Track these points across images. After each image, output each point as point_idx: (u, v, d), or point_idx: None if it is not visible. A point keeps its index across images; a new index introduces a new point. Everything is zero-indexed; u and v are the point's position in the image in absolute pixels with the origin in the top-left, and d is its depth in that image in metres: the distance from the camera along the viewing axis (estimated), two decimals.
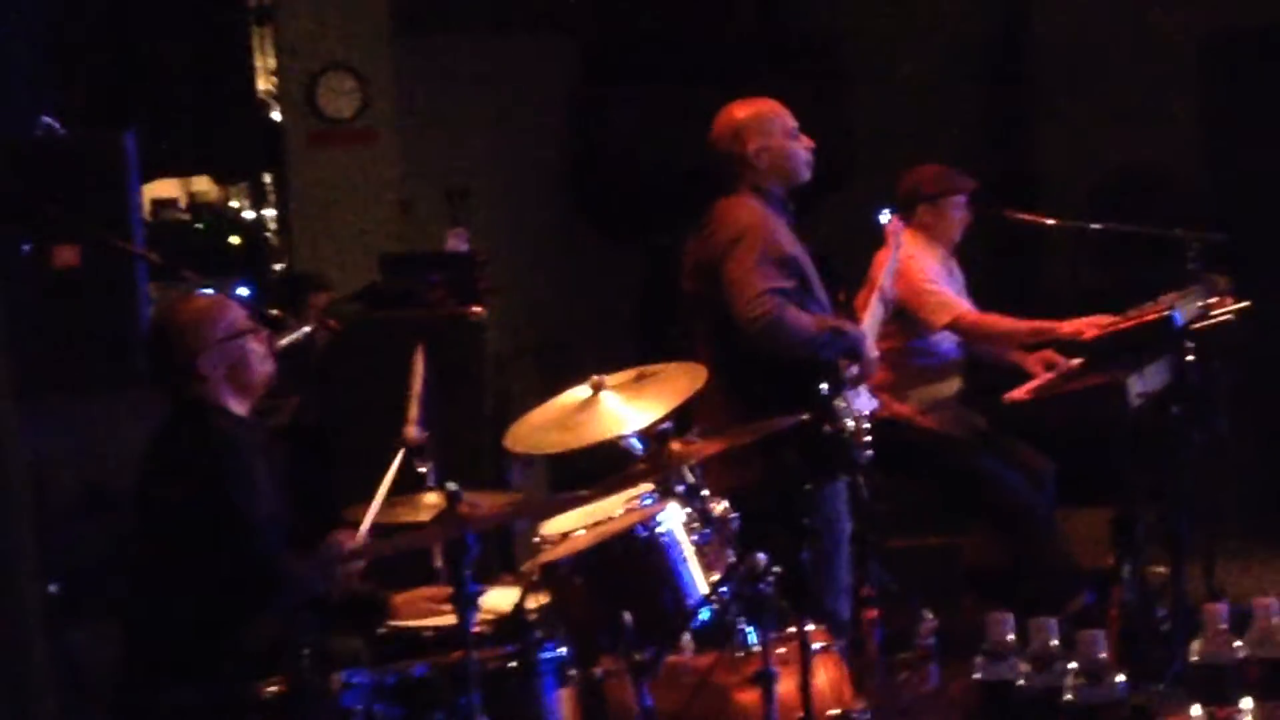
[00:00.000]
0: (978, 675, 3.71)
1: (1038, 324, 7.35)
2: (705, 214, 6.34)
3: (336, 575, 5.23)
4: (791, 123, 6.40)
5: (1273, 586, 7.56)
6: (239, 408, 5.22)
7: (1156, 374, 6.93)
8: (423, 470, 5.68)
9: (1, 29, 6.71)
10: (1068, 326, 7.22)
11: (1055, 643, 3.58)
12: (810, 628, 4.83)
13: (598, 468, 5.38)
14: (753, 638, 4.92)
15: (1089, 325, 7.12)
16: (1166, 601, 7.12)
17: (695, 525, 5.07)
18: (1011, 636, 3.69)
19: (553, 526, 5.33)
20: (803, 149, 6.40)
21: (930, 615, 6.80)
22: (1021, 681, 3.59)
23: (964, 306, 7.40)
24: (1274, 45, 10.04)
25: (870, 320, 6.63)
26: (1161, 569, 7.38)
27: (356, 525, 5.45)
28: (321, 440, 7.83)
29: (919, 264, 7.32)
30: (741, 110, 6.40)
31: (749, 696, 4.82)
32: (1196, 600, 6.93)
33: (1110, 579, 7.38)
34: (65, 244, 6.17)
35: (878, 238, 7.20)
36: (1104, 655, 3.52)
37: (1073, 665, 3.53)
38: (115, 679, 5.17)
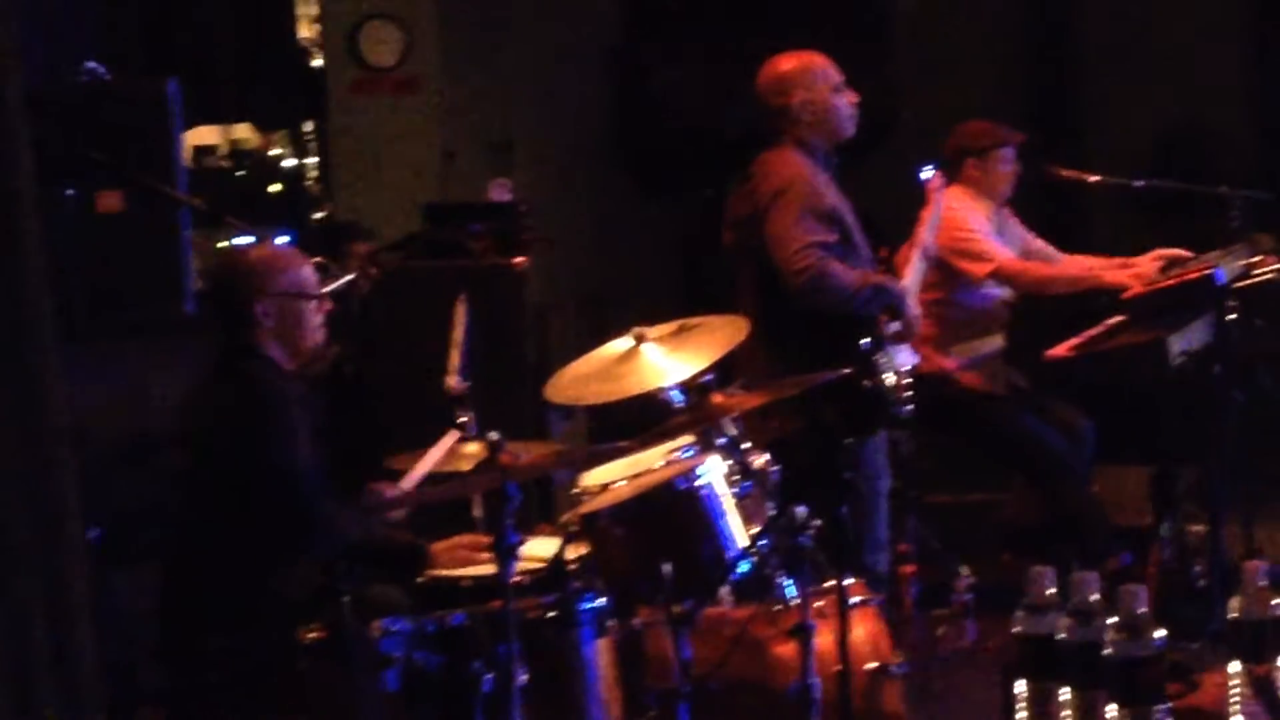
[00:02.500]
0: (1018, 628, 3.71)
1: (1082, 271, 7.32)
2: (748, 167, 6.34)
3: (375, 524, 5.25)
4: (837, 76, 6.39)
5: None
6: (284, 363, 5.23)
7: (1198, 332, 6.90)
8: (463, 420, 5.69)
9: None
10: (1111, 276, 7.19)
11: (1096, 597, 3.59)
12: (849, 582, 4.83)
13: (637, 419, 5.39)
14: (791, 591, 4.94)
15: (1134, 276, 7.09)
16: (1204, 560, 7.12)
17: (735, 478, 5.08)
18: (1052, 590, 3.69)
19: (593, 478, 5.34)
20: (847, 103, 6.39)
21: (967, 571, 6.81)
22: (1062, 635, 3.59)
23: (1007, 255, 7.37)
24: None
25: (912, 277, 6.62)
26: (1200, 528, 7.37)
27: (397, 475, 5.48)
28: (361, 390, 7.85)
29: (963, 215, 7.29)
30: (787, 63, 6.39)
31: (787, 649, 4.85)
32: (1234, 560, 6.93)
33: (1149, 537, 7.38)
34: (109, 189, 6.18)
35: (920, 194, 7.19)
36: (1144, 610, 3.52)
37: (1113, 620, 3.54)
38: (157, 625, 5.19)
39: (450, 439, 5.55)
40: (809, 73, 6.36)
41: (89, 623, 4.85)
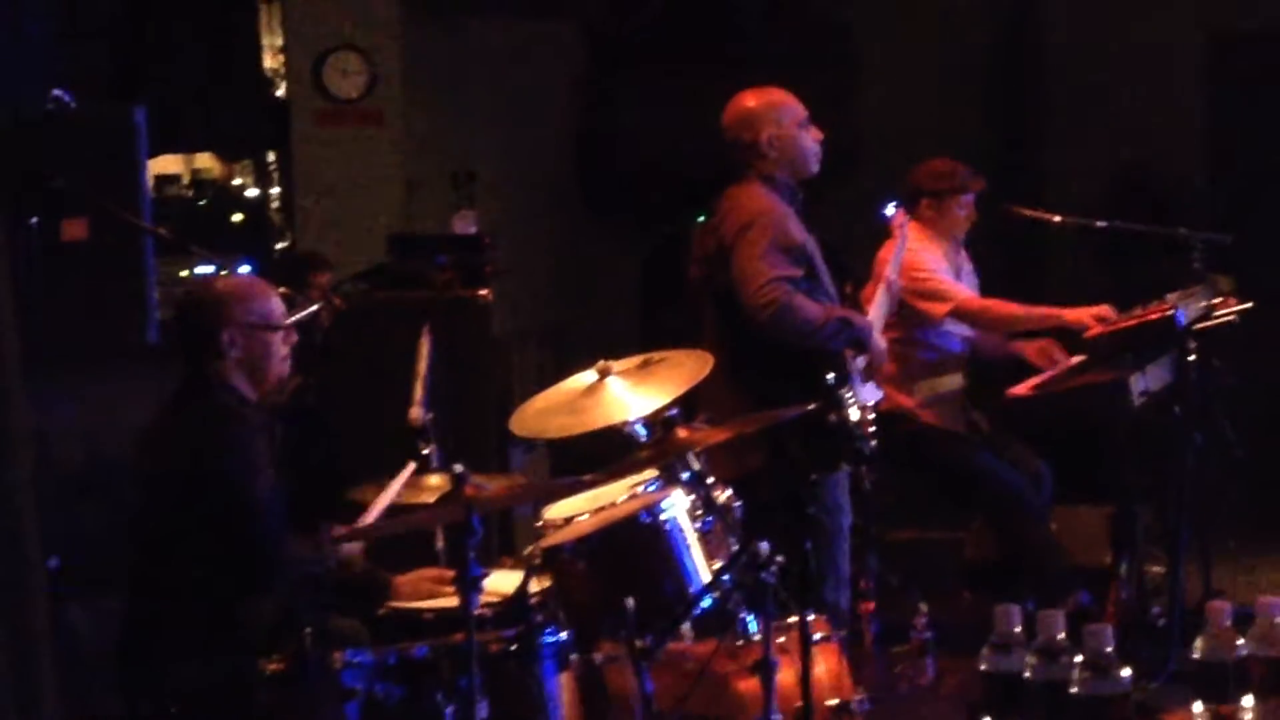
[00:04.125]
0: (984, 666, 3.71)
1: (1041, 311, 7.36)
2: (714, 202, 6.35)
3: (337, 556, 5.23)
4: (802, 113, 6.41)
5: (1269, 587, 7.57)
6: (248, 393, 5.22)
7: (1158, 373, 6.95)
8: (426, 452, 5.69)
9: (14, 3, 6.71)
10: (1071, 314, 7.22)
11: (1062, 636, 3.59)
12: (811, 618, 4.83)
13: (599, 453, 5.39)
14: (753, 626, 4.94)
15: (1093, 315, 7.13)
16: (1163, 600, 7.14)
17: (699, 513, 5.07)
18: (1019, 628, 3.70)
19: (556, 510, 5.33)
20: (812, 140, 6.41)
21: (926, 608, 6.82)
22: (1028, 674, 3.59)
23: (965, 294, 7.40)
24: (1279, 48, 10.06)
25: (876, 312, 6.65)
26: (1159, 568, 7.40)
27: (358, 507, 5.46)
28: (322, 421, 7.83)
29: (920, 256, 7.32)
30: (753, 99, 6.40)
31: (748, 685, 4.84)
32: (1193, 600, 6.95)
33: (1108, 577, 7.41)
34: (74, 217, 6.17)
35: (883, 230, 7.22)
36: (1110, 649, 3.53)
37: (1079, 658, 3.54)
38: (116, 654, 5.16)
39: (407, 472, 5.54)
40: (776, 109, 6.38)
41: (48, 651, 4.83)
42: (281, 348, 5.27)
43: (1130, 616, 7.16)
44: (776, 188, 6.32)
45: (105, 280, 6.31)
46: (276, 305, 5.30)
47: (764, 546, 4.73)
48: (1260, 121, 10.07)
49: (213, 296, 5.26)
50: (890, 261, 6.92)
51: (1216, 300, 6.99)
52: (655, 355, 5.43)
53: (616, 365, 5.34)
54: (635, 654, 4.74)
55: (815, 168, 6.44)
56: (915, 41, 11.22)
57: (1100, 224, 7.76)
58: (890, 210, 7.20)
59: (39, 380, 5.57)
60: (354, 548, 5.30)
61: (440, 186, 9.61)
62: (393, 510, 5.39)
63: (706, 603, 4.95)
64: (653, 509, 5.00)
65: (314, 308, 6.73)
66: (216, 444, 5.05)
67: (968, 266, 7.65)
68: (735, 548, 5.02)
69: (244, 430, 5.11)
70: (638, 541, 4.99)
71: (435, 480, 5.56)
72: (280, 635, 4.74)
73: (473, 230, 8.68)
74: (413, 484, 5.57)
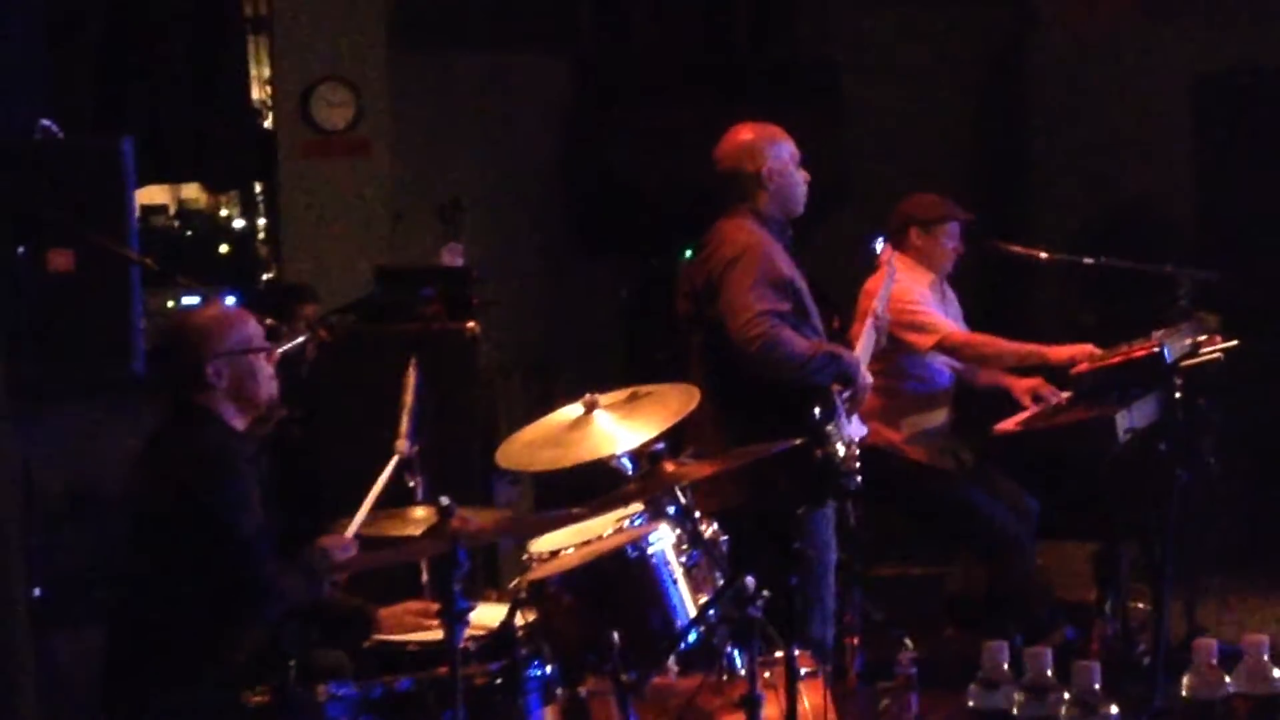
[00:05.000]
0: (972, 703, 3.71)
1: (1028, 347, 7.36)
2: (702, 235, 6.35)
3: (323, 585, 5.22)
4: (796, 151, 6.44)
5: (1253, 625, 7.57)
6: (236, 422, 5.21)
7: (1145, 410, 6.95)
8: (412, 484, 5.68)
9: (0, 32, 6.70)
10: (1057, 352, 7.24)
11: (1050, 673, 3.59)
12: (797, 653, 4.82)
13: (584, 486, 5.38)
14: (739, 661, 4.93)
15: (1080, 353, 7.14)
16: (1147, 637, 7.14)
17: (685, 547, 5.07)
18: (1007, 665, 3.70)
19: (542, 544, 5.32)
20: (802, 180, 6.43)
21: (911, 644, 6.81)
22: (1016, 711, 3.59)
23: (951, 327, 7.41)
24: (1267, 85, 10.09)
25: (863, 346, 6.65)
26: (1143, 605, 7.40)
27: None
28: (307, 453, 7.82)
29: (906, 288, 7.32)
30: (752, 131, 6.42)
31: None
32: (1177, 637, 6.95)
33: (1093, 613, 7.40)
34: (61, 248, 6.15)
35: (868, 266, 7.23)
36: (1098, 686, 3.53)
37: (1066, 695, 3.54)
38: (99, 685, 5.14)
39: (389, 468, 5.55)
40: (776, 143, 6.41)
41: (30, 683, 4.82)
42: (267, 368, 5.27)
43: (1115, 653, 7.16)
44: (766, 222, 6.33)
45: (92, 311, 6.28)
46: (255, 329, 5.30)
47: (750, 581, 4.73)
48: (1248, 159, 10.08)
49: (193, 330, 5.24)
50: (877, 297, 6.93)
51: (1203, 338, 7.01)
52: (642, 389, 5.43)
53: (603, 399, 5.34)
54: (620, 688, 4.74)
55: (801, 208, 6.46)
56: (902, 78, 11.25)
57: (1087, 260, 7.78)
58: (878, 246, 7.21)
59: (24, 410, 5.58)
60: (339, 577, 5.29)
61: (427, 218, 9.61)
62: (379, 542, 5.38)
63: (692, 637, 4.95)
64: (639, 543, 5.00)
65: (300, 339, 6.70)
66: (203, 477, 5.03)
67: (953, 301, 7.66)
68: (721, 582, 5.01)
69: (231, 463, 5.09)
70: (623, 575, 4.98)
71: (421, 513, 5.55)
72: (264, 667, 4.72)
73: (460, 262, 8.68)
74: (399, 516, 5.56)
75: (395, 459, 5.59)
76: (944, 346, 7.36)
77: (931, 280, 7.54)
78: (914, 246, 7.51)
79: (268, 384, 5.27)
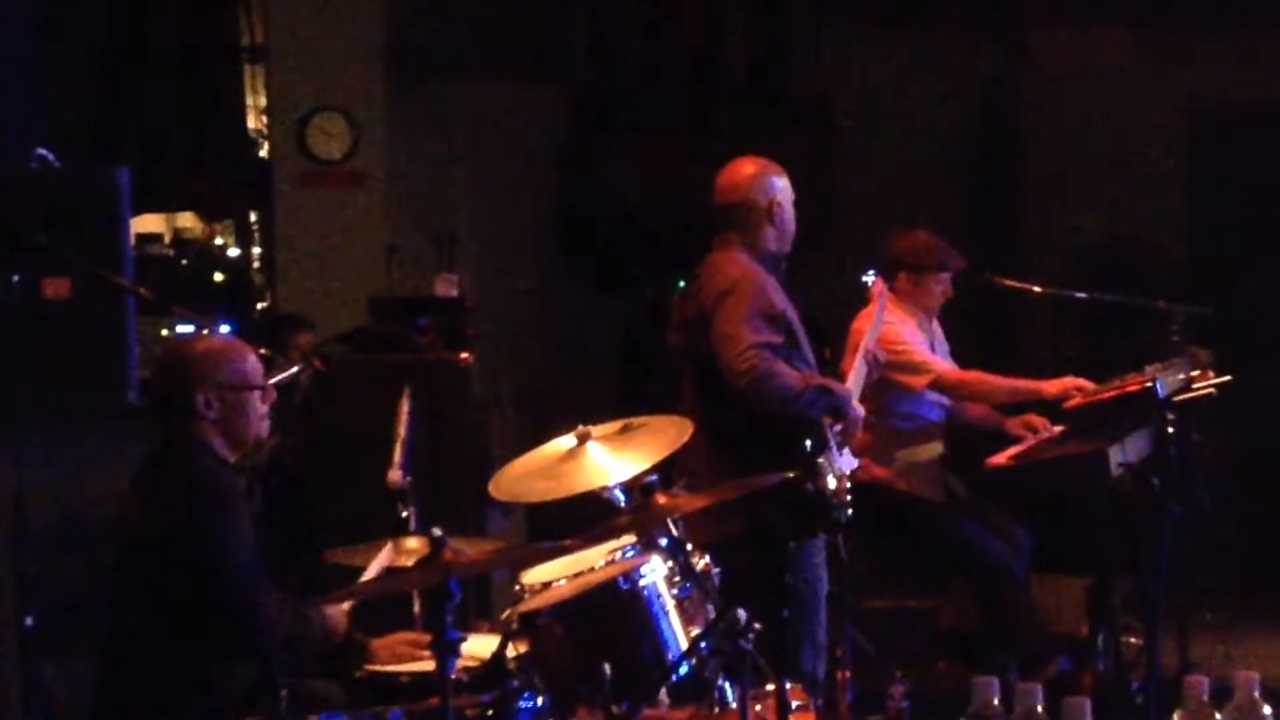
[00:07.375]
0: None
1: (1021, 383, 7.37)
2: (695, 267, 6.36)
3: (314, 619, 5.19)
4: (792, 190, 6.45)
5: (1246, 660, 7.57)
6: (226, 453, 5.20)
7: (1137, 445, 6.95)
8: (405, 514, 5.68)
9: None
10: (1050, 387, 7.25)
11: (1041, 708, 3.59)
12: (788, 686, 4.82)
13: (575, 517, 5.37)
14: (730, 694, 4.92)
15: (1072, 387, 7.15)
16: (1140, 672, 7.14)
17: (677, 579, 5.06)
18: (997, 701, 3.69)
19: (533, 575, 5.31)
20: (793, 218, 6.46)
21: (903, 677, 6.80)
22: None
23: (943, 366, 7.41)
24: (1260, 120, 10.13)
25: (855, 380, 6.65)
26: (1136, 639, 7.40)
27: (335, 569, 5.45)
28: (299, 482, 7.82)
29: (896, 329, 7.31)
30: (755, 165, 6.44)
31: None
32: (1170, 672, 6.95)
33: (1085, 647, 7.40)
34: (56, 276, 6.16)
35: (859, 299, 7.23)
36: None
37: None
38: (90, 714, 5.14)
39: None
40: (779, 177, 6.43)
41: (20, 711, 4.82)
42: (260, 407, 5.24)
43: (1107, 688, 7.15)
44: (759, 255, 6.34)
45: (87, 340, 6.29)
46: (253, 365, 5.27)
47: (741, 614, 4.73)
48: (1240, 195, 10.12)
49: (187, 358, 5.23)
50: (868, 331, 6.93)
51: (1195, 372, 7.01)
52: (635, 421, 5.42)
53: (596, 430, 5.33)
54: None
55: (790, 246, 6.48)
56: (894, 112, 11.29)
57: (1080, 295, 7.79)
58: (869, 278, 7.21)
59: (17, 438, 5.59)
60: (339, 610, 5.28)
61: (422, 248, 9.64)
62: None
63: (683, 669, 4.93)
64: (631, 575, 4.99)
65: (294, 369, 6.72)
66: (195, 506, 5.01)
67: (940, 337, 7.66)
68: (713, 614, 5.01)
69: (223, 493, 5.08)
70: (615, 607, 4.97)
71: (413, 544, 5.55)
72: (257, 697, 4.72)
73: (454, 293, 8.70)
74: (393, 546, 5.56)
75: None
76: (938, 386, 7.36)
77: (920, 319, 7.53)
78: (902, 289, 7.49)
79: (258, 423, 5.24)
